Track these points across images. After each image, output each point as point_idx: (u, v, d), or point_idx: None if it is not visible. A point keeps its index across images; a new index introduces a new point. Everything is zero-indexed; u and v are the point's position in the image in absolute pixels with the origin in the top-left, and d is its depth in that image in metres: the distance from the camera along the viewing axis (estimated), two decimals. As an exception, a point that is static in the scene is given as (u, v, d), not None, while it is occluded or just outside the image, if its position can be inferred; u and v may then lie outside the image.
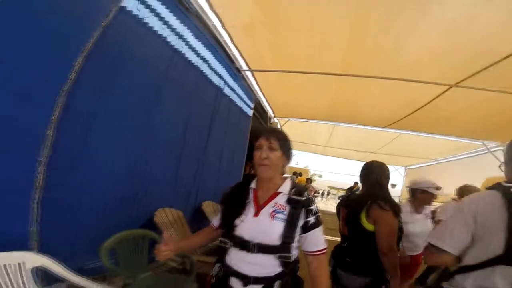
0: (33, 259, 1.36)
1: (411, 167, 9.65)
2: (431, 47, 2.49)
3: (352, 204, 1.81)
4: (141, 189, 2.40)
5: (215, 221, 1.26)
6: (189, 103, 3.01)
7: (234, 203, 1.15)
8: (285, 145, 1.16)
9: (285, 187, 1.16)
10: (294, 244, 1.10)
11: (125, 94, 2.10)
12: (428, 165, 8.08)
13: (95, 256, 1.78)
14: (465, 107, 3.61)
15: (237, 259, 1.11)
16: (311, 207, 1.12)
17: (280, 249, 1.06)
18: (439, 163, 7.46)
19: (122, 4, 1.97)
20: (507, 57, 2.34)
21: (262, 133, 1.17)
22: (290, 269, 1.11)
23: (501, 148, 5.16)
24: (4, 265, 1.26)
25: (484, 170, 6.09)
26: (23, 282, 1.30)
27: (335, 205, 2.58)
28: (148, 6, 2.27)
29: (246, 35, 2.93)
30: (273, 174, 1.14)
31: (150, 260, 2.07)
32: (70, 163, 1.73)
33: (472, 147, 5.72)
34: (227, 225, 1.13)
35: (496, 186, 1.05)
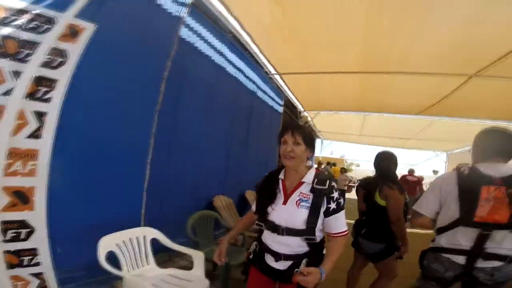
0: (150, 233, 2.12)
1: (453, 151, 9.41)
2: (445, 41, 2.75)
3: (368, 185, 2.37)
4: (203, 180, 3.23)
5: (254, 207, 1.45)
6: (231, 108, 3.77)
7: (267, 193, 1.34)
8: (308, 139, 1.29)
9: (309, 177, 1.30)
10: (318, 228, 1.26)
11: (189, 106, 2.89)
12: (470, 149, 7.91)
13: (178, 231, 2.56)
14: (491, 93, 3.77)
15: (270, 239, 1.32)
16: (333, 195, 1.26)
17: (306, 232, 1.24)
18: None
19: (180, 34, 2.66)
20: None
21: (287, 129, 1.30)
22: (316, 248, 1.29)
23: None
24: (136, 237, 2.03)
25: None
26: (145, 249, 2.06)
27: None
28: (195, 32, 2.96)
29: (272, 45, 3.47)
30: (298, 164, 1.29)
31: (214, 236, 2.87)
32: (161, 162, 2.55)
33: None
34: (261, 212, 1.33)
35: (455, 168, 1.55)
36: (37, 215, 1.69)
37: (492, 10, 2.23)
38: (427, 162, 11.14)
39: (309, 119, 6.82)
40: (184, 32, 2.75)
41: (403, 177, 7.14)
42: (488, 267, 1.40)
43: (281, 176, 1.35)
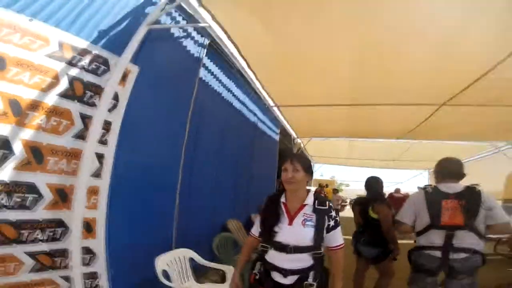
0: (188, 253, 2.46)
1: (432, 170, 10.26)
2: (418, 77, 3.36)
3: (362, 203, 2.94)
4: (218, 206, 3.58)
5: (256, 231, 1.59)
6: (238, 140, 4.23)
7: (271, 216, 1.48)
8: (306, 166, 1.49)
9: (310, 199, 1.48)
10: (323, 243, 1.45)
11: (205, 141, 3.30)
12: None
13: (202, 251, 2.85)
14: (459, 119, 4.53)
15: (277, 258, 1.45)
16: (331, 213, 1.48)
17: (313, 248, 1.42)
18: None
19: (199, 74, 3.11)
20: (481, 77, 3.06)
21: (287, 158, 1.50)
22: (319, 261, 1.46)
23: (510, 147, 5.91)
24: (179, 257, 2.36)
25: (498, 168, 6.80)
26: (186, 267, 2.38)
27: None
28: (209, 71, 3.41)
29: (271, 81, 4.00)
30: (298, 188, 1.48)
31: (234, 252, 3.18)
32: (185, 192, 2.90)
33: (481, 148, 6.49)
34: (267, 233, 1.46)
35: (422, 188, 2.13)
36: (98, 242, 1.97)
37: (454, 48, 2.64)
38: (412, 179, 12.13)
39: (302, 145, 7.40)
40: (202, 72, 3.17)
41: (390, 194, 8.05)
42: (459, 258, 1.93)
43: (283, 199, 1.50)
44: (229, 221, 3.75)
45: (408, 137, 6.01)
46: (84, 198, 1.75)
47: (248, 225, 4.45)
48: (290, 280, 1.43)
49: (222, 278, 2.62)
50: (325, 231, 1.44)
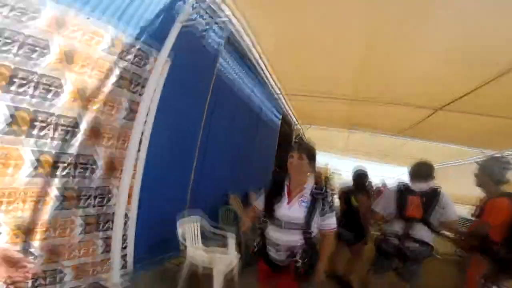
0: (199, 220, 2.94)
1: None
2: (420, 80, 3.58)
3: (348, 192, 3.46)
4: (223, 182, 4.08)
5: (258, 204, 1.83)
6: (246, 122, 4.64)
7: (275, 194, 1.70)
8: (311, 157, 1.69)
9: (309, 185, 1.69)
10: (314, 224, 1.63)
11: (217, 123, 3.70)
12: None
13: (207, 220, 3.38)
14: (453, 124, 4.92)
15: (273, 233, 1.66)
16: (327, 198, 1.65)
17: (304, 226, 1.61)
18: (442, 167, 8.75)
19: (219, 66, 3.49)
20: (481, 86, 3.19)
21: (294, 147, 1.73)
22: (310, 242, 1.64)
23: (498, 155, 6.34)
24: (192, 223, 2.85)
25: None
26: (196, 232, 2.87)
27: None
28: (224, 60, 3.73)
29: (281, 72, 4.34)
30: (301, 175, 1.69)
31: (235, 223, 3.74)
32: (199, 166, 3.36)
33: (471, 154, 6.96)
34: (269, 209, 1.68)
35: (397, 184, 2.61)
36: (133, 208, 2.43)
37: (457, 56, 2.80)
38: (402, 176, 12.70)
39: (301, 131, 7.84)
40: (221, 62, 3.54)
41: (378, 188, 8.65)
42: (412, 247, 2.41)
43: (287, 182, 1.73)
44: (231, 196, 4.28)
45: (403, 134, 6.44)
46: (131, 169, 2.19)
47: (246, 201, 5.00)
48: (281, 256, 1.66)
49: (224, 244, 3.16)
50: (319, 215, 1.62)
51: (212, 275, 2.40)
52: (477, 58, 2.75)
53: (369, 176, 3.56)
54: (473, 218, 3.09)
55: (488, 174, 2.61)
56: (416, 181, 2.55)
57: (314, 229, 1.65)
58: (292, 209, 1.64)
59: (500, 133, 4.88)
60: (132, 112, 2.30)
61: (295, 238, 1.63)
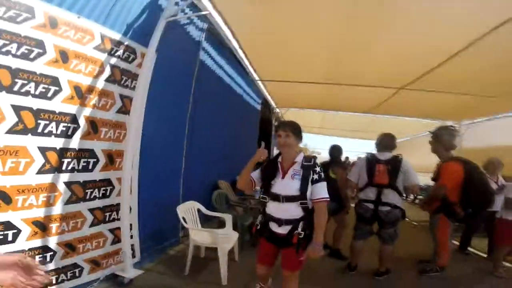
0: (196, 205, 3.11)
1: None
2: (383, 63, 4.03)
3: (325, 166, 3.75)
4: (212, 169, 4.28)
5: (255, 177, 1.86)
6: (228, 111, 4.81)
7: (270, 171, 1.82)
8: (296, 132, 1.80)
9: (299, 158, 1.80)
10: (308, 194, 1.71)
11: (202, 113, 3.85)
12: (404, 140, 10.17)
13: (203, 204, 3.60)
14: (415, 100, 5.47)
15: (273, 208, 1.77)
16: (316, 168, 1.74)
17: (300, 198, 1.70)
18: (412, 139, 9.60)
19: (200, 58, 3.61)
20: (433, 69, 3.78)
21: (281, 126, 1.83)
22: (308, 213, 1.73)
23: (457, 126, 7.09)
24: (190, 208, 3.01)
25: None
26: (195, 216, 3.04)
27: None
28: (206, 52, 3.86)
29: (258, 58, 4.51)
30: (290, 150, 1.79)
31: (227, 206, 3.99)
32: (188, 157, 3.52)
33: (435, 125, 7.71)
34: (266, 185, 1.79)
35: (366, 154, 2.98)
36: (134, 197, 2.56)
37: (413, 41, 3.16)
38: (373, 150, 13.64)
39: (280, 114, 8.13)
40: (201, 54, 3.65)
41: (354, 162, 9.22)
42: (385, 210, 2.80)
43: (279, 159, 1.85)
44: (219, 181, 4.50)
45: (372, 112, 6.98)
46: (131, 160, 2.31)
47: (234, 185, 5.26)
48: (284, 229, 1.73)
49: (219, 225, 3.41)
50: (310, 183, 1.71)
51: (217, 255, 2.58)
52: (430, 46, 3.20)
53: (342, 150, 3.93)
54: (432, 183, 3.59)
55: (439, 141, 3.08)
56: (382, 151, 2.95)
57: (309, 200, 1.73)
58: (286, 183, 1.74)
59: (455, 106, 5.56)
60: (124, 105, 2.39)
61: (295, 211, 1.72)
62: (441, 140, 3.08)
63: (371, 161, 2.91)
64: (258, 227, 1.85)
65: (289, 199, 1.71)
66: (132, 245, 2.57)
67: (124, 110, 2.41)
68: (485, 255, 4.09)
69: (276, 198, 1.74)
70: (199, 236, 2.80)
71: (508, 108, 5.38)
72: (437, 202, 3.05)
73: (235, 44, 4.11)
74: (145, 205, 2.76)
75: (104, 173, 2.28)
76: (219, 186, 4.39)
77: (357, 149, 13.58)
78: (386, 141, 3.01)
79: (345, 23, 3.02)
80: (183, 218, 2.74)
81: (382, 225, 2.87)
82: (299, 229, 1.69)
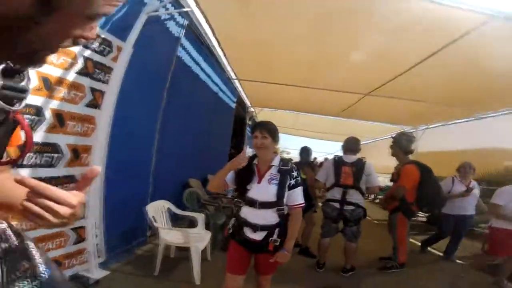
0: (166, 204, 3.06)
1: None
2: (352, 71, 4.35)
3: (296, 166, 3.89)
4: (183, 166, 4.21)
5: (228, 179, 1.73)
6: (202, 108, 4.76)
7: (245, 175, 1.71)
8: (273, 134, 1.71)
9: (276, 161, 1.73)
10: (285, 200, 1.66)
11: (175, 109, 3.76)
12: (365, 144, 10.86)
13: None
14: (379, 106, 5.87)
15: (248, 213, 1.68)
16: (293, 173, 1.70)
17: (276, 204, 1.64)
18: (374, 142, 10.27)
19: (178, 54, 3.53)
20: (394, 78, 4.18)
21: (257, 127, 1.73)
22: (284, 219, 1.68)
23: (413, 130, 7.72)
24: (160, 207, 2.94)
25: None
26: (165, 215, 2.98)
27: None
28: (184, 48, 3.78)
29: (235, 56, 4.56)
30: (267, 152, 1.71)
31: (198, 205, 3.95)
32: (160, 152, 3.43)
33: (394, 130, 8.34)
34: (241, 189, 1.69)
35: (333, 156, 3.19)
36: (98, 195, 2.44)
37: (380, 52, 3.45)
38: (340, 151, 14.39)
39: (254, 113, 8.21)
40: (179, 50, 3.55)
41: (321, 163, 9.63)
42: (349, 209, 3.01)
43: (255, 162, 1.76)
44: (190, 180, 4.44)
45: (339, 115, 7.34)
46: (100, 156, 2.21)
47: (206, 183, 5.22)
48: (259, 235, 1.65)
49: (190, 225, 3.36)
50: (287, 189, 1.66)
51: (188, 255, 2.55)
52: (393, 57, 3.53)
53: (312, 151, 4.12)
54: (391, 184, 3.91)
55: (398, 146, 3.39)
56: (347, 153, 3.16)
57: (286, 206, 1.69)
58: (263, 188, 1.66)
59: (413, 113, 6.09)
60: (95, 99, 2.27)
61: (271, 217, 1.66)
62: (400, 145, 3.38)
63: (338, 163, 3.11)
64: (231, 230, 1.76)
65: (266, 205, 1.65)
66: (97, 245, 2.47)
67: (94, 103, 2.29)
68: (441, 254, 4.30)
69: (252, 203, 1.66)
70: (170, 235, 2.75)
71: (460, 116, 5.97)
72: (395, 202, 3.33)
73: (214, 42, 4.10)
74: (111, 203, 2.64)
75: (68, 169, 2.15)
76: (191, 185, 4.33)
77: (325, 150, 14.45)
78: (351, 145, 3.22)
79: (320, 31, 3.21)
80: (153, 217, 2.68)
81: (346, 223, 3.08)
82: (275, 236, 1.64)
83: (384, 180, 6.90)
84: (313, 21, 3.02)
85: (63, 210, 0.51)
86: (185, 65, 3.87)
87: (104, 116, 2.26)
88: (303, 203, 1.73)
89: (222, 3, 2.98)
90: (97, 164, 2.24)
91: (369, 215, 3.94)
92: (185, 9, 2.90)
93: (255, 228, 1.66)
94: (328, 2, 2.65)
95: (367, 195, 3.29)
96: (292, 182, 1.69)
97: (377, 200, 9.13)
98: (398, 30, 2.87)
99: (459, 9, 2.35)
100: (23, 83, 0.55)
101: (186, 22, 3.32)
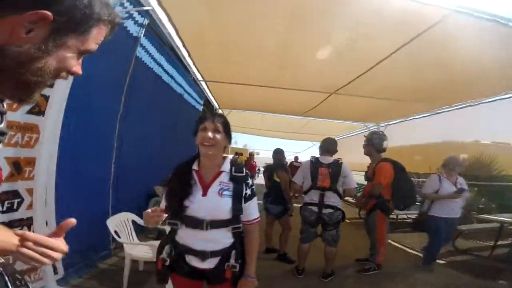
0: (131, 216, 2.81)
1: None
2: (317, 71, 4.42)
3: (269, 170, 3.88)
4: (147, 174, 3.94)
5: (163, 204, 1.32)
6: (166, 111, 4.52)
7: (180, 185, 1.24)
8: (227, 128, 1.30)
9: (226, 166, 1.31)
10: (242, 215, 1.28)
11: (135, 113, 3.52)
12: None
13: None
14: (345, 104, 6.08)
15: (190, 238, 1.24)
16: (249, 181, 1.31)
17: (232, 222, 1.25)
18: (339, 139, 10.71)
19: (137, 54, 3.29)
20: (358, 77, 4.30)
21: (207, 116, 1.29)
22: (240, 238, 1.31)
23: (376, 127, 8.15)
24: (123, 220, 2.70)
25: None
26: (130, 228, 2.74)
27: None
28: (144, 48, 3.58)
29: (201, 57, 4.35)
30: (217, 153, 1.27)
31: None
32: (120, 160, 3.16)
33: (357, 127, 8.77)
34: (176, 207, 1.22)
35: (310, 158, 3.17)
36: (50, 210, 2.15)
37: (343, 52, 3.51)
38: (308, 150, 14.83)
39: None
40: (139, 50, 3.33)
41: (291, 163, 9.81)
42: (327, 212, 2.95)
43: (195, 167, 1.31)
44: (156, 188, 4.18)
45: (306, 115, 7.50)
46: (45, 168, 1.93)
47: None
48: (210, 263, 1.25)
49: (159, 236, 3.14)
50: (243, 201, 1.29)
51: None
52: (357, 56, 3.60)
53: (284, 153, 4.07)
54: (365, 182, 3.93)
55: (371, 144, 3.48)
56: (324, 154, 3.15)
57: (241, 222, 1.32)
58: (211, 202, 1.24)
59: (377, 110, 6.41)
60: (37, 105, 1.99)
61: (224, 238, 1.28)
62: (373, 143, 3.46)
63: (314, 165, 3.04)
64: (167, 262, 1.26)
65: (217, 224, 1.24)
66: None
67: (37, 110, 2.01)
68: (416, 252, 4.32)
69: (196, 224, 1.22)
70: (137, 250, 2.55)
71: (417, 111, 6.34)
72: (373, 200, 3.35)
73: (178, 42, 3.86)
74: (65, 218, 2.33)
75: (10, 184, 1.85)
76: (156, 193, 4.08)
77: (293, 149, 14.79)
78: (328, 146, 3.19)
79: (286, 31, 3.16)
80: (115, 232, 2.44)
81: (325, 227, 3.01)
82: (232, 261, 1.25)
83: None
84: (280, 21, 2.97)
85: (56, 255, 0.66)
86: (145, 66, 3.64)
87: (50, 124, 1.98)
88: (259, 217, 1.37)
89: (186, 1, 2.82)
90: (43, 176, 1.98)
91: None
92: (145, 8, 2.68)
93: (204, 256, 1.24)
94: (294, 2, 2.63)
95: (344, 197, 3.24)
96: (248, 192, 1.31)
97: (352, 199, 9.40)
98: (362, 27, 2.90)
99: (419, 3, 2.37)
100: (1, 125, 0.59)
101: (146, 21, 3.10)
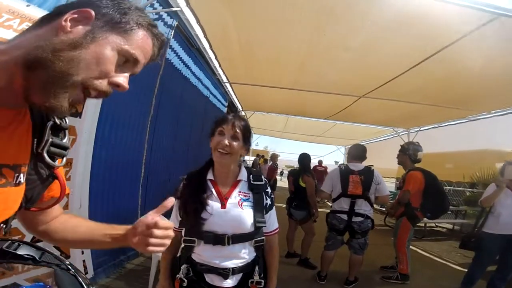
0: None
1: (348, 146, 12.53)
2: (345, 74, 4.27)
3: (294, 174, 3.79)
4: (173, 174, 3.98)
5: (175, 221, 1.19)
6: (193, 113, 4.56)
7: (196, 198, 1.13)
8: (246, 135, 1.17)
9: (244, 174, 1.21)
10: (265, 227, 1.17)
11: (164, 116, 3.57)
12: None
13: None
14: (373, 108, 5.84)
15: (212, 254, 1.12)
16: (268, 190, 1.22)
17: (255, 234, 1.15)
18: (366, 144, 10.31)
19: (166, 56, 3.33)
20: (389, 80, 4.16)
21: (227, 119, 1.17)
22: (262, 251, 1.23)
23: (406, 132, 7.76)
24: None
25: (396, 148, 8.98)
26: None
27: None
28: (173, 50, 3.62)
29: (227, 59, 4.37)
30: (232, 162, 1.17)
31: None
32: (149, 164, 3.21)
33: (386, 132, 8.39)
34: (193, 222, 1.12)
35: (338, 165, 3.05)
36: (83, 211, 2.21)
37: (374, 54, 3.41)
38: (331, 154, 14.53)
39: (245, 117, 8.06)
40: (168, 52, 3.37)
41: (315, 167, 9.60)
42: (358, 221, 2.85)
43: (210, 176, 1.21)
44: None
45: (332, 118, 7.30)
46: (82, 167, 1.99)
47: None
48: (232, 281, 1.15)
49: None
50: (264, 211, 1.20)
51: None
52: (389, 61, 3.51)
53: (310, 158, 3.95)
54: (397, 191, 3.78)
55: (407, 154, 3.36)
56: (354, 161, 3.03)
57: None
58: (232, 214, 1.14)
59: (408, 115, 6.08)
60: (75, 106, 2.05)
61: (246, 253, 1.17)
62: (409, 154, 3.36)
63: (344, 172, 2.94)
64: (185, 283, 1.14)
65: (240, 238, 1.13)
66: (84, 261, 2.23)
67: (74, 112, 2.07)
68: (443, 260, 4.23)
69: (217, 240, 1.12)
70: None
71: (452, 117, 5.96)
72: (401, 208, 3.28)
73: (205, 44, 3.91)
74: (96, 218, 2.40)
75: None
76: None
77: (315, 153, 14.52)
78: (357, 152, 3.09)
79: (314, 33, 3.08)
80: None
81: (353, 235, 2.90)
82: (256, 277, 1.17)
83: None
84: (306, 23, 2.90)
85: (172, 234, 0.71)
86: (174, 68, 3.68)
87: (87, 126, 2.03)
88: (278, 228, 1.29)
89: (213, 2, 2.82)
90: (80, 178, 2.03)
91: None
92: (174, 9, 2.71)
93: (226, 274, 1.12)
94: (320, 4, 2.54)
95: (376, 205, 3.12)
96: (268, 201, 1.23)
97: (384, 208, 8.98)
98: (393, 31, 2.78)
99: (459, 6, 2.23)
100: (65, 140, 0.61)
101: (175, 23, 3.13)
